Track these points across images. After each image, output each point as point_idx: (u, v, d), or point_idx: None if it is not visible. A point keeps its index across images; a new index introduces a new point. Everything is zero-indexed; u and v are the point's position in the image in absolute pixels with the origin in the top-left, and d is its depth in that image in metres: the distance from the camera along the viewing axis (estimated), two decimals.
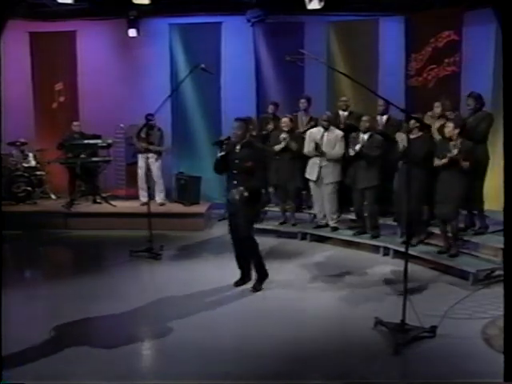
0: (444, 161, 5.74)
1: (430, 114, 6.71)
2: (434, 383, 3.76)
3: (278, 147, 7.35)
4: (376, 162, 6.66)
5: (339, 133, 7.16)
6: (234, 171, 5.27)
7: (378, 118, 7.20)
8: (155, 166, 8.56)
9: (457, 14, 8.14)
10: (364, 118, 6.79)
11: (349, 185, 6.96)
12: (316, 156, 7.14)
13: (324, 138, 7.11)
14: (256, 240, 5.45)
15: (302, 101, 7.95)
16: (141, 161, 8.65)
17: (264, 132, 7.97)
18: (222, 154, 5.28)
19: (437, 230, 6.33)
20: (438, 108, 6.55)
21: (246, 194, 5.13)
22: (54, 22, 9.85)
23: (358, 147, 6.65)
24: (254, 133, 7.30)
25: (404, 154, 5.92)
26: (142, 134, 8.40)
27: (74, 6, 9.06)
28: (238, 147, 5.28)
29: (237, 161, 5.24)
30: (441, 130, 6.14)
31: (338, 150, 7.05)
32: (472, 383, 3.70)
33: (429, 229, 6.53)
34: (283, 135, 7.37)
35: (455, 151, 5.62)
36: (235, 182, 5.25)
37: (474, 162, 5.65)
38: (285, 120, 7.48)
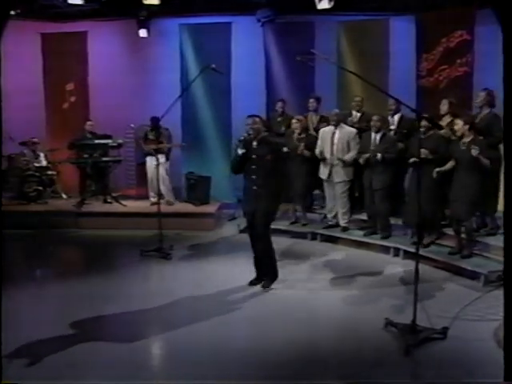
0: (451, 164, 5.74)
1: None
2: (433, 383, 3.75)
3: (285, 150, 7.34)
4: (391, 162, 6.63)
5: (352, 130, 7.13)
6: (253, 166, 5.30)
7: (390, 118, 7.16)
8: (163, 168, 8.59)
9: (469, 13, 8.06)
10: (374, 118, 6.77)
11: (365, 185, 6.92)
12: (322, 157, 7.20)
13: (335, 136, 7.10)
14: (271, 239, 5.45)
15: (311, 100, 7.93)
16: (149, 162, 8.68)
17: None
18: (244, 151, 5.27)
19: (449, 231, 6.29)
20: (444, 106, 6.49)
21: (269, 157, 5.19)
22: (65, 22, 9.93)
23: (379, 156, 6.58)
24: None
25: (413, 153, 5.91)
26: (150, 136, 8.43)
27: (84, 6, 9.12)
28: (254, 143, 5.32)
29: (254, 156, 5.26)
30: (450, 127, 6.10)
31: (353, 149, 7.01)
32: (472, 383, 3.67)
33: (441, 229, 6.48)
34: (296, 136, 7.39)
35: (463, 148, 5.61)
36: (254, 177, 5.28)
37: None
38: (294, 121, 7.46)
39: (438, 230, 6.48)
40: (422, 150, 5.70)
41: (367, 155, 6.69)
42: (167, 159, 8.82)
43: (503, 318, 3.00)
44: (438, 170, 5.86)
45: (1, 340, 3.33)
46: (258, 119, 5.38)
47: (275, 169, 5.31)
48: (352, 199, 7.31)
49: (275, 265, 5.56)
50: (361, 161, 6.78)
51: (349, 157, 7.02)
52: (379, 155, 6.59)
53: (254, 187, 5.31)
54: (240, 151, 5.27)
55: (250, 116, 5.40)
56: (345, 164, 7.05)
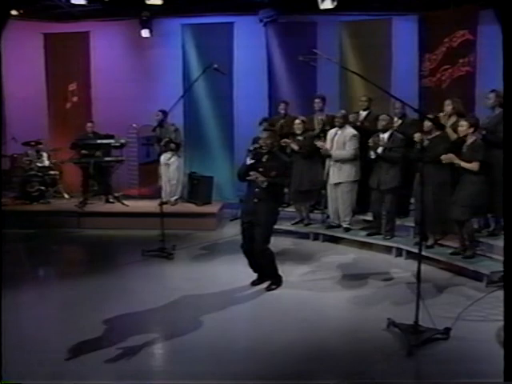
0: (457, 161, 5.71)
1: (441, 114, 6.63)
2: (434, 383, 3.74)
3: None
4: (398, 162, 6.60)
5: (351, 131, 7.10)
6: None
7: (395, 120, 7.14)
8: (173, 166, 8.63)
9: (472, 12, 8.05)
10: (381, 118, 6.74)
11: (372, 187, 6.87)
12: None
13: (336, 137, 7.09)
14: (272, 250, 5.43)
15: (317, 100, 7.89)
16: (161, 160, 8.66)
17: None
18: (252, 162, 5.25)
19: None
20: (448, 106, 6.46)
21: (265, 184, 5.14)
22: (68, 23, 9.96)
23: (380, 150, 6.59)
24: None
25: (421, 153, 5.88)
26: (158, 134, 8.44)
27: (87, 6, 9.15)
28: (265, 157, 5.29)
29: (261, 169, 5.23)
30: (454, 128, 6.08)
31: (347, 149, 6.99)
32: (472, 383, 3.67)
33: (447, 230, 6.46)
34: (298, 138, 7.40)
35: (464, 150, 5.61)
36: (257, 190, 5.25)
37: (485, 164, 5.58)
38: (297, 122, 7.46)
39: (443, 231, 6.44)
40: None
41: (379, 149, 6.63)
42: (176, 156, 8.78)
43: (504, 318, 2.99)
44: (444, 156, 5.76)
45: (1, 340, 3.33)
46: (271, 133, 5.40)
47: (278, 184, 5.32)
48: (356, 200, 7.28)
49: (277, 273, 5.53)
50: (372, 155, 6.73)
51: (338, 153, 6.97)
52: (380, 149, 6.58)
53: (255, 200, 5.27)
54: (249, 161, 5.25)
55: (265, 129, 5.45)
56: (339, 161, 7.00)
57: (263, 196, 5.22)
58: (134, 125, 9.68)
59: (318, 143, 7.24)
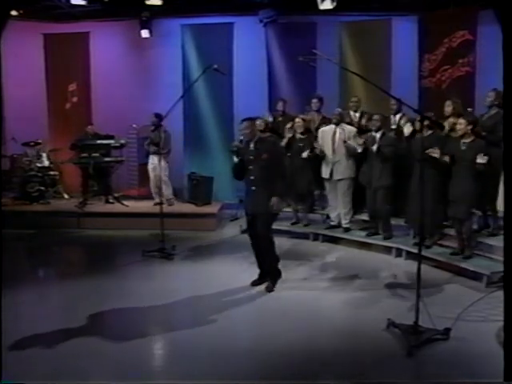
0: (446, 158, 5.71)
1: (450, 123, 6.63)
2: (434, 383, 3.74)
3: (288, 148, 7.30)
4: (389, 161, 6.62)
5: (352, 128, 7.13)
6: (250, 167, 5.30)
7: (392, 117, 7.16)
8: (162, 167, 8.59)
9: (471, 13, 8.06)
10: (375, 117, 6.79)
11: (363, 184, 6.91)
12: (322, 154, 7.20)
13: (336, 136, 7.09)
14: (273, 239, 5.45)
15: (314, 100, 7.91)
16: (150, 161, 8.71)
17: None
18: (238, 159, 5.33)
19: (451, 231, 6.28)
20: (449, 107, 6.48)
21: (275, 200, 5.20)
22: (68, 23, 9.97)
23: (375, 147, 6.62)
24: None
25: (409, 148, 5.90)
26: (152, 136, 8.45)
27: (87, 7, 9.16)
28: (251, 145, 5.33)
29: (251, 157, 5.28)
30: (453, 128, 6.09)
31: (353, 142, 7.01)
32: (472, 383, 3.67)
33: (443, 230, 6.47)
34: (298, 135, 7.40)
35: (463, 148, 5.61)
36: (252, 178, 5.30)
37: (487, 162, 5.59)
38: (298, 120, 7.46)
39: (440, 231, 6.46)
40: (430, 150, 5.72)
41: (374, 146, 6.65)
42: (165, 157, 8.75)
43: (504, 318, 2.99)
44: (430, 150, 5.77)
45: (1, 340, 3.33)
46: (248, 123, 5.33)
47: (273, 168, 5.24)
48: (354, 199, 7.29)
49: (277, 265, 5.53)
50: (359, 149, 6.78)
51: (347, 144, 6.96)
52: (375, 146, 6.60)
53: (253, 188, 5.32)
54: (235, 159, 5.34)
55: (243, 120, 5.40)
56: (343, 157, 7.01)
57: (259, 183, 5.24)
58: (134, 125, 9.68)
59: (316, 145, 7.23)
